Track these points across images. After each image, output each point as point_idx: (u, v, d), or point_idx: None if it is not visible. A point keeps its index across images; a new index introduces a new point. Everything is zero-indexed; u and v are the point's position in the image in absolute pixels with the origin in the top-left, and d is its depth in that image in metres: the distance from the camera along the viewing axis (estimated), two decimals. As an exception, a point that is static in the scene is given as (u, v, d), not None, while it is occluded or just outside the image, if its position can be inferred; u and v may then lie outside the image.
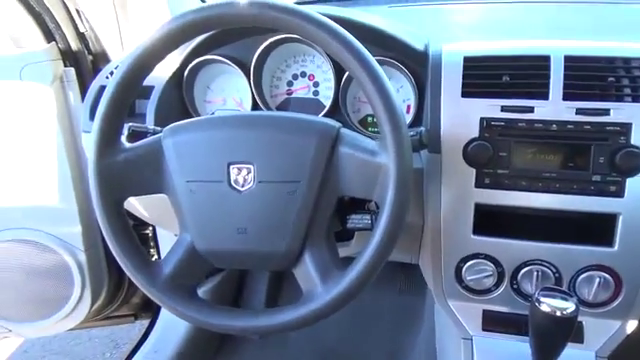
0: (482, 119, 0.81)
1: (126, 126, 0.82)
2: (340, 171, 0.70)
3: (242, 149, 0.71)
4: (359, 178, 0.69)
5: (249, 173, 0.71)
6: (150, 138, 0.77)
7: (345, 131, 0.72)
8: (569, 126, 0.79)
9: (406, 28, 1.00)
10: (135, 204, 1.08)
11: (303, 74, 1.04)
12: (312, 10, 0.67)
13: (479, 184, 0.83)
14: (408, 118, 0.96)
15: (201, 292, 0.80)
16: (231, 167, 0.71)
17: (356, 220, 0.77)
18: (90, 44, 1.26)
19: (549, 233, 0.83)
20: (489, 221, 0.84)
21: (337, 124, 0.73)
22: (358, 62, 0.65)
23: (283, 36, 0.97)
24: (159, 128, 0.86)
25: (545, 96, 0.80)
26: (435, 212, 0.86)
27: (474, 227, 0.85)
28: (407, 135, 0.67)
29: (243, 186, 0.71)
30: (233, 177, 0.71)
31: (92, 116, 1.00)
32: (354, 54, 0.65)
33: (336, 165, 0.70)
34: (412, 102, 0.98)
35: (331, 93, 1.00)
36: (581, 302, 0.84)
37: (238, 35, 1.01)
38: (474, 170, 0.82)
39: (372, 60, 0.66)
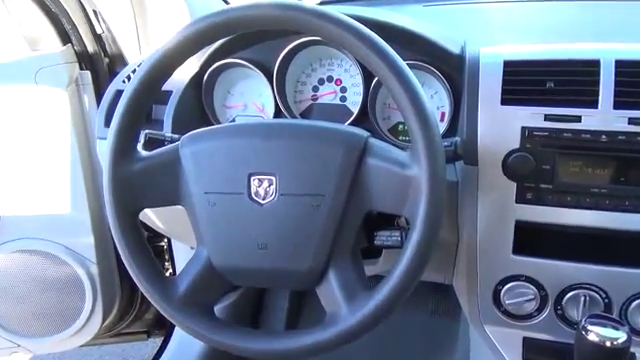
0: (523, 128, 0.80)
1: (142, 133, 0.84)
2: (368, 184, 0.70)
3: (264, 159, 0.72)
4: (388, 192, 0.69)
5: (271, 185, 0.72)
6: (167, 147, 0.79)
7: (374, 141, 0.72)
8: (620, 137, 0.77)
9: (440, 29, 0.99)
10: (150, 215, 1.10)
11: (330, 79, 1.05)
12: (338, 11, 0.68)
13: (520, 199, 0.82)
14: (442, 126, 0.96)
15: (217, 310, 0.81)
16: (252, 178, 0.72)
17: (384, 237, 0.77)
18: (107, 46, 1.29)
19: (598, 254, 0.82)
20: (531, 240, 0.83)
21: (365, 133, 0.73)
22: (387, 67, 0.65)
23: (308, 38, 0.98)
24: (177, 136, 0.88)
25: (594, 104, 0.78)
26: (471, 229, 0.85)
27: (514, 246, 0.84)
28: (441, 146, 0.66)
29: (264, 199, 0.72)
30: (254, 189, 0.72)
31: (107, 122, 1.02)
32: (383, 58, 0.66)
33: (364, 178, 0.70)
34: (447, 109, 0.97)
35: (359, 99, 1.00)
36: (633, 331, 0.82)
37: (261, 37, 1.03)
38: (514, 184, 0.82)
39: (403, 65, 0.66)
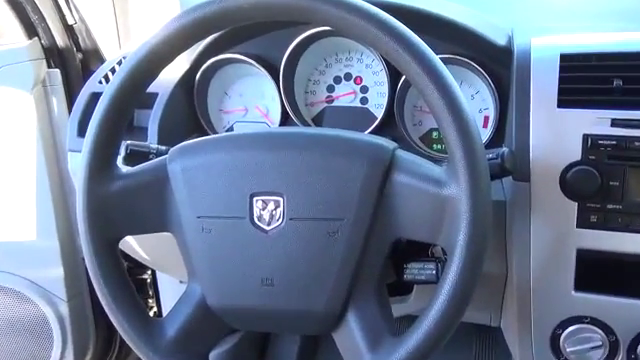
0: (586, 136, 0.81)
1: (123, 145, 0.85)
2: (396, 206, 0.70)
3: (269, 176, 0.72)
4: (421, 215, 0.69)
5: (277, 207, 0.72)
6: (153, 161, 0.80)
7: (402, 153, 0.73)
8: None
9: (482, 15, 1.00)
10: (132, 243, 1.11)
11: (348, 76, 1.06)
12: None
13: (582, 223, 0.82)
14: (486, 134, 0.97)
15: (213, 357, 0.82)
16: (255, 199, 0.73)
17: (416, 270, 0.77)
18: (80, 39, 1.31)
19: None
20: (596, 273, 0.83)
21: (392, 144, 0.74)
22: (417, 63, 0.66)
23: (322, 29, 0.99)
24: (164, 148, 0.89)
25: (671, 106, 0.79)
26: (522, 260, 0.85)
27: (576, 281, 0.84)
28: (484, 158, 0.67)
29: (270, 224, 0.73)
30: (257, 212, 0.73)
31: (81, 132, 1.04)
32: (411, 53, 0.66)
33: (391, 198, 0.70)
34: (491, 113, 0.98)
35: (384, 101, 1.01)
36: None
37: (264, 28, 1.04)
38: (575, 204, 0.82)
39: (435, 60, 0.67)
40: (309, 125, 1.07)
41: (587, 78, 0.83)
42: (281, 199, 0.72)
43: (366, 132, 1.00)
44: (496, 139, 0.94)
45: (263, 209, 0.73)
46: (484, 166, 0.67)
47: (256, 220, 0.73)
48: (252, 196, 0.73)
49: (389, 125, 1.00)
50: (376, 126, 1.00)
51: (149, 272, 1.48)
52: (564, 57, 0.84)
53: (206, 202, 0.74)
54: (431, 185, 0.69)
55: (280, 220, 0.72)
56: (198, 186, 0.75)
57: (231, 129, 1.12)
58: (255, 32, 1.06)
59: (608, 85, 0.81)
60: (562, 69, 0.84)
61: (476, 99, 1.00)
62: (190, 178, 0.75)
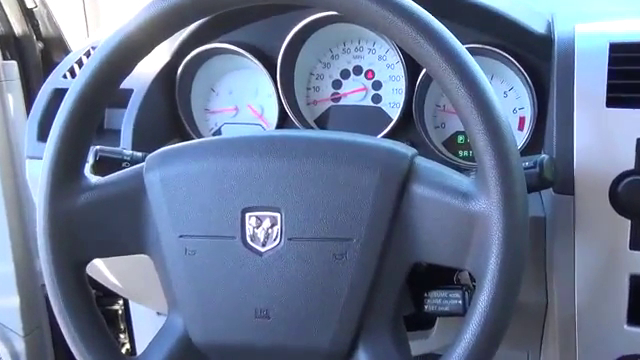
0: (640, 141, 0.81)
1: (91, 150, 0.86)
2: (415, 224, 0.70)
3: (264, 188, 0.73)
4: (444, 235, 0.69)
5: (274, 225, 0.72)
6: (127, 170, 0.80)
7: (423, 161, 0.73)
8: None
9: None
10: (101, 267, 1.11)
11: (357, 70, 1.06)
12: None
13: (637, 244, 0.82)
14: (521, 137, 0.97)
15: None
16: (247, 216, 0.73)
17: (439, 300, 0.77)
18: (41, 26, 1.32)
19: None
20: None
21: (410, 150, 0.74)
22: (440, 55, 0.66)
23: (326, 13, 1.00)
24: (140, 154, 0.90)
25: None
26: (565, 287, 0.85)
27: (629, 313, 0.84)
28: (519, 168, 0.67)
29: (265, 245, 0.73)
30: (250, 231, 0.73)
31: (43, 135, 1.04)
32: (433, 42, 0.66)
33: (409, 214, 0.71)
34: (528, 113, 0.98)
35: (400, 99, 1.01)
36: None
37: (259, 13, 1.05)
38: (628, 222, 0.82)
39: (462, 52, 0.67)
40: (311, 127, 1.07)
41: None
42: (278, 215, 0.72)
43: (379, 136, 1.01)
44: (534, 144, 0.95)
45: (257, 227, 0.73)
46: (519, 176, 0.66)
47: (249, 240, 0.73)
48: (244, 212, 0.73)
49: (406, 128, 1.01)
50: (391, 129, 1.00)
51: (121, 302, 1.49)
52: (614, 47, 0.85)
53: (190, 219, 0.75)
54: (457, 199, 0.69)
55: (277, 240, 0.72)
56: (180, 200, 0.75)
57: (219, 132, 1.12)
58: (248, 17, 1.06)
59: None
60: (612, 61, 0.84)
61: (510, 97, 1.00)
62: (171, 190, 0.75)
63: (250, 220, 0.73)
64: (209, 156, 0.75)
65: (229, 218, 0.73)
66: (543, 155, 0.77)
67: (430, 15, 0.68)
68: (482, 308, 0.66)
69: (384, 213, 0.71)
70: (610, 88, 0.83)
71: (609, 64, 0.84)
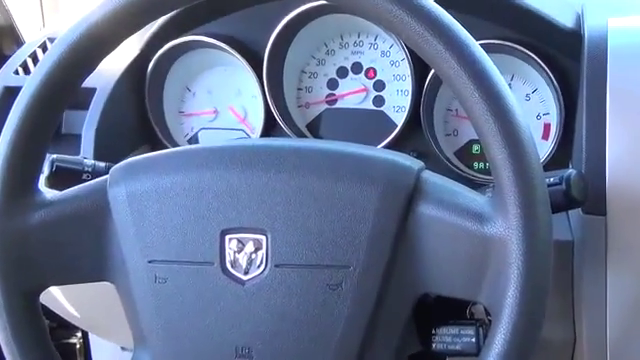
0: (684, 154, 0.82)
1: (47, 159, 0.85)
2: (421, 249, 0.71)
3: (247, 207, 0.73)
4: (455, 263, 0.70)
5: (258, 250, 0.72)
6: (88, 184, 0.80)
7: (431, 176, 0.73)
8: None
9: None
10: (56, 294, 1.11)
11: (357, 68, 1.07)
12: None
13: (677, 272, 0.82)
14: (546, 148, 0.98)
15: None
16: (228, 239, 0.73)
17: (449, 337, 0.77)
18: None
19: None
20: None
21: (417, 163, 0.74)
22: (451, 54, 0.66)
23: (320, 3, 1.00)
24: (103, 164, 0.90)
25: None
26: (596, 321, 0.86)
27: (669, 352, 0.84)
28: (542, 184, 0.67)
29: (247, 272, 0.73)
30: (231, 256, 0.73)
31: (-11, 141, 1.05)
32: (443, 39, 0.66)
33: (414, 238, 0.71)
34: (553, 119, 0.99)
35: (406, 102, 1.02)
36: None
37: (242, 2, 1.06)
38: (670, 247, 0.82)
39: (477, 50, 0.67)
40: (303, 134, 1.08)
41: None
42: (263, 238, 0.72)
43: (381, 145, 1.02)
44: (560, 156, 0.96)
45: (239, 252, 0.73)
46: (542, 194, 0.66)
47: (229, 267, 0.73)
48: (224, 234, 0.73)
49: (413, 136, 1.02)
50: (395, 137, 1.01)
51: (79, 335, 1.48)
52: (653, 44, 0.86)
53: (160, 242, 0.75)
54: (470, 220, 0.69)
55: (262, 267, 0.72)
56: (150, 219, 0.75)
57: (195, 138, 1.13)
58: (230, 6, 1.07)
59: None
60: None
61: (533, 100, 1.01)
62: (139, 208, 0.75)
63: (230, 243, 0.73)
64: (183, 168, 0.75)
65: (206, 241, 0.73)
66: (570, 170, 0.77)
67: (440, 8, 0.68)
68: (499, 347, 0.66)
69: (386, 237, 0.71)
70: None
71: None
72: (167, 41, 1.06)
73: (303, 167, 0.73)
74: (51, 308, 1.15)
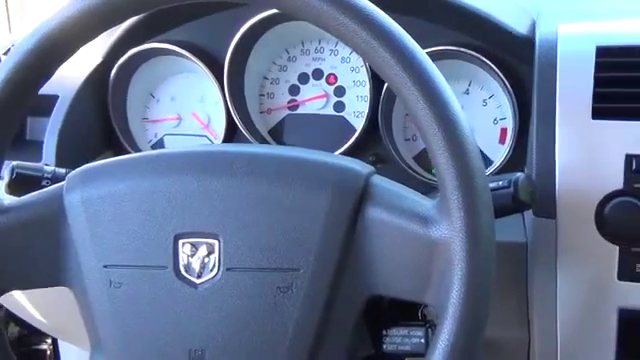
0: (629, 157, 0.83)
1: (6, 166, 0.87)
2: (370, 252, 0.72)
3: (200, 212, 0.74)
4: (402, 265, 0.71)
5: (211, 254, 0.73)
6: (46, 190, 0.81)
7: (381, 181, 0.75)
8: None
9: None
10: (22, 302, 1.11)
11: (318, 74, 1.08)
12: None
13: (626, 274, 0.84)
14: (502, 152, 1.00)
15: None
16: (181, 243, 0.74)
17: (399, 338, 0.78)
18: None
19: None
20: (645, 342, 0.85)
21: (367, 168, 0.75)
22: (397, 61, 0.67)
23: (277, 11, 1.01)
24: (63, 171, 0.90)
25: None
26: (547, 322, 0.87)
27: (618, 351, 0.85)
28: (486, 189, 0.68)
29: (200, 276, 0.74)
30: (184, 260, 0.74)
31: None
32: (389, 47, 0.67)
33: (363, 241, 0.72)
34: (509, 124, 1.01)
35: (365, 107, 1.03)
36: None
37: (204, 8, 1.07)
38: (616, 249, 0.84)
39: (422, 57, 0.68)
40: (265, 140, 1.09)
41: (632, 79, 0.85)
42: (216, 242, 0.73)
43: (341, 149, 1.03)
44: (516, 160, 0.97)
45: (192, 256, 0.74)
46: (485, 198, 0.68)
47: (182, 271, 0.74)
48: (177, 238, 0.74)
49: (372, 140, 1.03)
50: (354, 141, 1.02)
51: (49, 341, 1.48)
52: (602, 51, 0.87)
53: (115, 247, 0.76)
54: (416, 223, 0.70)
55: (214, 271, 0.73)
56: (105, 225, 0.76)
57: (160, 144, 1.14)
58: (192, 13, 1.08)
59: None
60: (599, 67, 0.86)
61: (490, 105, 1.03)
62: (94, 214, 0.76)
63: (184, 248, 0.74)
64: (137, 174, 0.76)
65: (160, 246, 0.74)
66: (519, 174, 0.78)
67: (387, 17, 0.69)
68: (442, 348, 0.66)
69: (335, 240, 0.72)
70: (596, 97, 0.85)
71: (596, 70, 0.86)
72: (129, 48, 1.07)
73: (254, 173, 0.74)
74: (19, 315, 1.16)
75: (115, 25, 0.77)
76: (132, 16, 0.77)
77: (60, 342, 1.44)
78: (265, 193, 0.73)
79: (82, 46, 0.77)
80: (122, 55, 1.08)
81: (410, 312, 0.83)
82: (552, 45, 0.90)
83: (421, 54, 0.69)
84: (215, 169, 0.75)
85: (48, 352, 1.50)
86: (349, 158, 0.78)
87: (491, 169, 1.00)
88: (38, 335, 1.41)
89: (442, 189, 0.68)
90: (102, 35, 0.79)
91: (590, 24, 0.93)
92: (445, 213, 0.68)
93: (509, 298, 0.93)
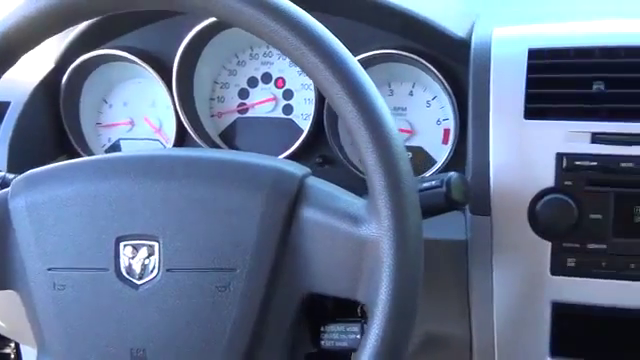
0: (560, 156, 0.86)
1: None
2: (305, 251, 0.73)
3: (140, 215, 0.75)
4: (335, 263, 0.72)
5: (151, 255, 0.75)
6: (-9, 194, 0.82)
7: (315, 182, 0.76)
8: None
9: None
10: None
11: (266, 78, 1.10)
12: None
13: (558, 269, 0.86)
14: (445, 152, 1.02)
15: None
16: (122, 245, 0.76)
17: (336, 334, 0.80)
18: None
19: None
20: (577, 333, 0.88)
21: (302, 170, 0.77)
22: (326, 66, 0.69)
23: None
24: (11, 176, 0.91)
25: (666, 116, 0.84)
26: (484, 317, 0.90)
27: (552, 344, 0.88)
28: (412, 189, 0.70)
29: (141, 277, 0.75)
30: (125, 262, 0.76)
31: None
32: (318, 53, 0.69)
33: (298, 241, 0.73)
34: (451, 125, 1.03)
35: (312, 109, 1.05)
36: None
37: (154, 14, 1.08)
38: (548, 244, 0.86)
39: (350, 61, 0.70)
40: (215, 143, 1.11)
41: (563, 81, 0.88)
42: (156, 245, 0.75)
43: (288, 151, 1.05)
44: (459, 159, 0.99)
45: (133, 258, 0.75)
46: (413, 198, 0.70)
47: (124, 272, 0.76)
48: (118, 241, 0.76)
49: (319, 142, 1.05)
50: (301, 143, 1.05)
51: (13, 345, 1.48)
52: (533, 53, 0.89)
53: (59, 249, 0.77)
54: (347, 223, 0.72)
55: (155, 272, 0.75)
56: (48, 228, 0.77)
57: (114, 148, 1.15)
58: (143, 19, 1.10)
59: (588, 89, 0.87)
60: (531, 69, 0.89)
61: (433, 107, 1.05)
62: (38, 218, 0.78)
63: (125, 250, 0.75)
64: (80, 179, 0.78)
65: (102, 248, 0.76)
66: (452, 173, 0.80)
67: (317, 22, 0.71)
68: (371, 344, 0.68)
69: (271, 240, 0.73)
70: (529, 98, 0.88)
71: (528, 72, 0.88)
72: (81, 54, 1.08)
73: (193, 176, 0.76)
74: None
75: (67, 27, 0.77)
76: (84, 20, 0.78)
77: (22, 345, 1.44)
78: (203, 195, 0.75)
79: (35, 46, 0.78)
80: (74, 61, 1.09)
81: (354, 309, 0.84)
82: (486, 48, 0.92)
83: (350, 59, 0.70)
84: (156, 173, 0.76)
85: (12, 356, 1.50)
86: (287, 161, 0.80)
87: (434, 169, 1.03)
88: (1, 339, 1.41)
89: (371, 190, 0.70)
90: (54, 41, 0.81)
91: (524, 27, 0.95)
92: (374, 213, 0.69)
93: (451, 295, 0.95)
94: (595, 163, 0.85)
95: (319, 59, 0.69)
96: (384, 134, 0.69)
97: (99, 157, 0.82)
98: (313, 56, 0.69)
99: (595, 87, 0.87)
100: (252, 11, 0.69)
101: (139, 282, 0.76)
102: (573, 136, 0.86)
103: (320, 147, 1.05)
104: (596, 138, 0.86)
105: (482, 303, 0.90)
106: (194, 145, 1.10)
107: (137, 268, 0.76)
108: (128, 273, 0.76)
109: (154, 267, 0.75)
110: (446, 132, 1.04)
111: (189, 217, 0.75)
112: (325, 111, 1.03)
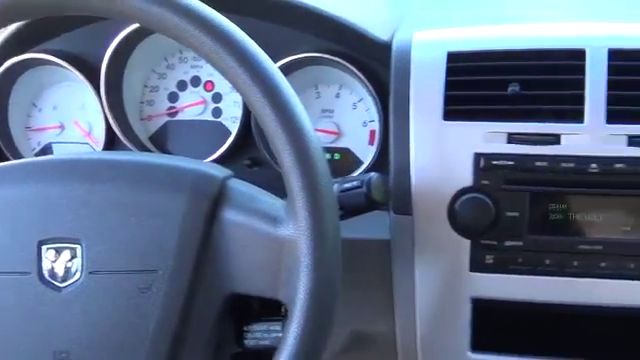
0: (478, 156, 0.88)
1: None
2: (225, 252, 0.74)
3: (63, 218, 0.75)
4: (256, 264, 0.74)
5: (74, 258, 0.75)
6: None
7: (236, 184, 0.78)
8: (618, 165, 0.86)
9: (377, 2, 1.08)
10: None
11: (195, 81, 1.11)
12: None
13: (477, 266, 0.89)
14: (371, 153, 1.04)
15: None
16: (44, 248, 0.76)
17: (259, 333, 0.81)
18: None
19: (598, 346, 0.89)
20: (497, 328, 0.90)
21: (224, 172, 0.78)
22: (244, 70, 0.70)
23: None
24: (-64, 182, 0.92)
25: (578, 117, 0.87)
26: (407, 314, 0.92)
27: (473, 339, 0.90)
28: (329, 189, 0.71)
29: (64, 280, 0.75)
30: (47, 265, 0.75)
31: None
32: (236, 56, 0.70)
33: (218, 242, 0.74)
34: (377, 126, 1.05)
35: (240, 112, 1.06)
36: None
37: (83, 18, 1.08)
38: (467, 242, 0.89)
39: (266, 64, 0.71)
40: (145, 146, 1.11)
41: (480, 83, 0.90)
42: (78, 247, 0.75)
43: (217, 154, 1.06)
44: (385, 160, 1.00)
45: (55, 261, 0.75)
46: (329, 198, 0.71)
47: (46, 275, 0.76)
48: (41, 244, 0.76)
49: (247, 145, 1.06)
50: (230, 146, 1.05)
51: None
52: (452, 56, 0.92)
53: None
54: (266, 224, 0.73)
55: (77, 275, 0.75)
56: None
57: (44, 152, 1.15)
58: (71, 23, 1.10)
59: (503, 91, 0.89)
60: (450, 71, 0.91)
61: (359, 109, 1.07)
62: None
63: (47, 253, 0.75)
64: (1, 183, 0.78)
65: (24, 252, 0.76)
66: (372, 174, 0.83)
67: (234, 26, 0.71)
68: (290, 342, 0.69)
69: (192, 242, 0.74)
70: (448, 100, 0.90)
71: (447, 74, 0.90)
72: (8, 58, 1.08)
73: (115, 178, 0.76)
74: None
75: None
76: (13, 22, 0.78)
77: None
78: (126, 198, 0.75)
79: None
80: (1, 65, 1.09)
81: (279, 309, 0.84)
82: (406, 51, 0.94)
83: (268, 62, 0.71)
84: (78, 176, 0.77)
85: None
86: (209, 163, 0.82)
87: (361, 169, 1.04)
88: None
89: (289, 191, 0.71)
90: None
91: (444, 31, 0.97)
92: (292, 213, 0.71)
93: (376, 294, 0.97)
94: (511, 162, 0.88)
95: (236, 62, 0.70)
96: (300, 135, 0.70)
97: (22, 161, 0.83)
98: (230, 59, 0.70)
99: (510, 89, 0.89)
100: (171, 16, 0.70)
101: (62, 285, 0.76)
102: (490, 136, 0.88)
103: (249, 149, 1.06)
104: (512, 138, 0.88)
105: (405, 301, 0.92)
106: (124, 149, 1.10)
107: (60, 271, 0.76)
108: (50, 276, 0.76)
109: (77, 270, 0.75)
110: (372, 133, 1.06)
111: (111, 220, 0.75)
112: (252, 115, 1.03)
